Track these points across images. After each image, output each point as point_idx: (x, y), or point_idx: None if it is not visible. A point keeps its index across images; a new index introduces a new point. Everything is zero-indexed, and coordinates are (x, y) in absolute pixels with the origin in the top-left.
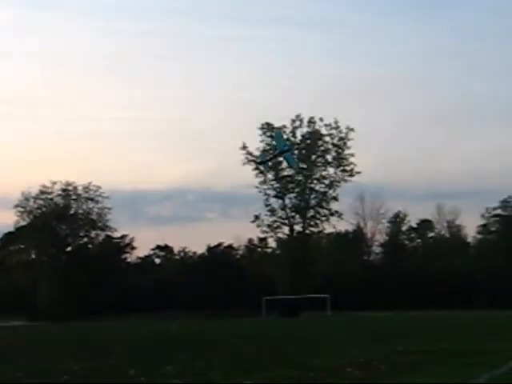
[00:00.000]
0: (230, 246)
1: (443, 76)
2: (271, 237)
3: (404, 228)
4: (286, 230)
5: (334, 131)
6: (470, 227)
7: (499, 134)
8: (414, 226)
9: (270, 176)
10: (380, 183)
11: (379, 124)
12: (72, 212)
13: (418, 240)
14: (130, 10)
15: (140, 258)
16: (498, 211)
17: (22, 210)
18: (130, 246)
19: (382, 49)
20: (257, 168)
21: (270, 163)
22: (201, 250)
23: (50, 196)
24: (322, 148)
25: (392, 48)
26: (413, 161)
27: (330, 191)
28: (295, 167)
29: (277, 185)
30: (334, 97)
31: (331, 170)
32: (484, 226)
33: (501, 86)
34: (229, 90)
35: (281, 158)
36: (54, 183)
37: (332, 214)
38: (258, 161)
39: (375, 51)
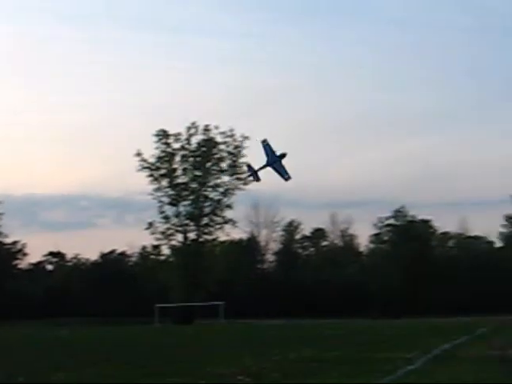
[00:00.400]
0: (123, 253)
1: (341, 86)
2: (165, 244)
3: (298, 236)
4: (180, 237)
5: (229, 139)
6: (363, 236)
7: (392, 145)
8: (308, 234)
9: (164, 183)
10: (275, 192)
11: (275, 132)
12: None
13: (312, 249)
14: (38, 12)
15: (32, 264)
16: (391, 221)
17: None
18: (22, 252)
19: (285, 57)
20: (151, 175)
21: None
22: (94, 256)
23: None
24: (217, 156)
25: (294, 57)
26: (308, 170)
27: (225, 199)
28: (286, 177)
29: (171, 192)
30: (230, 104)
31: (226, 178)
32: (376, 235)
33: (397, 97)
34: (127, 96)
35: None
36: None
37: (226, 222)
38: (248, 172)
39: (278, 60)
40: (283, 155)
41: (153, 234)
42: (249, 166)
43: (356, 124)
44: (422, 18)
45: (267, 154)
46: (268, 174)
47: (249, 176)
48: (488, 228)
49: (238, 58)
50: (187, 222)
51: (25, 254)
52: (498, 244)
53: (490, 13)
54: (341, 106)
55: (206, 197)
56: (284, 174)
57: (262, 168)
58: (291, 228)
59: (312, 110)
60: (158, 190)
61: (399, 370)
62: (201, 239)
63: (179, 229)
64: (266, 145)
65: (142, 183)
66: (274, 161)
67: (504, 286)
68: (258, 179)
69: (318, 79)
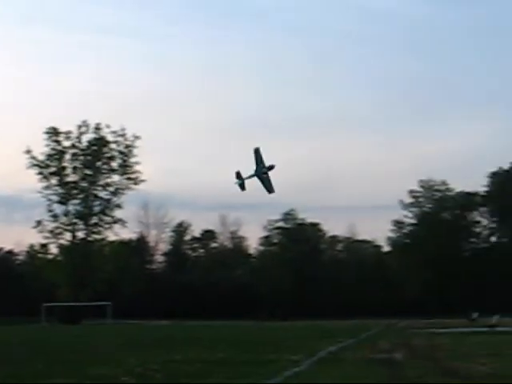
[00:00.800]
0: (10, 252)
1: (231, 89)
2: (53, 243)
3: (187, 238)
4: (69, 236)
5: (120, 138)
6: (253, 239)
7: (282, 148)
8: (198, 236)
9: (53, 181)
10: (165, 192)
11: (167, 134)
12: None
13: (201, 250)
14: None
15: None
16: (280, 223)
17: None
18: None
19: (173, 58)
20: (41, 173)
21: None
22: None
23: None
24: (107, 155)
25: (184, 58)
26: (199, 171)
27: (115, 199)
28: (270, 190)
29: (61, 190)
30: (122, 105)
31: (116, 178)
32: (266, 237)
33: (289, 100)
34: (16, 93)
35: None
36: None
37: (115, 222)
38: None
39: (167, 61)
40: (271, 167)
41: (41, 232)
42: (238, 174)
43: (246, 126)
44: (324, 23)
45: (257, 163)
46: (160, 176)
47: (238, 184)
48: (376, 232)
49: (133, 57)
50: (76, 220)
51: None
52: (386, 248)
53: (394, 20)
54: (231, 107)
55: (96, 196)
56: (269, 186)
57: (250, 177)
58: (181, 229)
59: (202, 112)
60: (47, 188)
61: (284, 371)
62: (89, 238)
63: (68, 228)
64: (258, 154)
65: (32, 181)
66: (263, 172)
67: (390, 290)
68: (244, 188)
69: (213, 81)
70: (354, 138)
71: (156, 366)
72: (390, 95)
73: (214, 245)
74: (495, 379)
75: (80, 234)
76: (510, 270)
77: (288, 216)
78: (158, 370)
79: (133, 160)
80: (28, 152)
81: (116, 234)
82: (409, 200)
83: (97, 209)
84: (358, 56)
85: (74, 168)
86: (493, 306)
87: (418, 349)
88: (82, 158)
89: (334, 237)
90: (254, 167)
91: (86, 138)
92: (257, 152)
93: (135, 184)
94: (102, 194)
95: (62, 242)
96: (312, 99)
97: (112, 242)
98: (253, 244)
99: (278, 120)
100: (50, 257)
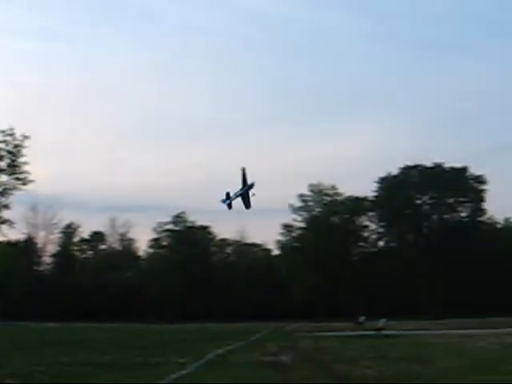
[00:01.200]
0: None
1: (127, 92)
2: None
3: (76, 239)
4: None
5: (8, 138)
6: (142, 241)
7: (173, 151)
8: (87, 237)
9: None
10: (55, 194)
11: (58, 135)
12: None
13: (90, 252)
14: None
15: None
16: (170, 226)
17: None
18: None
19: (68, 59)
20: None
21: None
22: None
23: None
24: None
25: (75, 59)
26: (89, 173)
27: (2, 199)
28: (249, 206)
29: None
30: (15, 104)
31: (4, 178)
32: (156, 240)
33: (180, 106)
34: None
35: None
36: None
37: (3, 223)
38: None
39: (62, 61)
40: (252, 185)
41: None
42: (228, 195)
43: (139, 130)
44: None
45: (243, 182)
46: (50, 177)
47: (225, 203)
48: (265, 236)
49: (35, 58)
50: None
51: None
52: (276, 252)
53: (279, 24)
54: (123, 111)
55: None
56: (247, 203)
57: (236, 197)
58: (69, 230)
59: (95, 114)
60: None
61: (171, 374)
62: None
63: None
64: (244, 174)
65: None
66: (246, 190)
67: (280, 293)
68: (231, 207)
69: (118, 83)
70: (243, 141)
71: (43, 368)
72: (281, 98)
73: (102, 247)
74: (380, 381)
75: None
76: (397, 274)
77: (178, 219)
78: (45, 372)
79: (21, 160)
80: None
81: (3, 234)
82: (298, 204)
83: None
84: (244, 57)
85: None
86: (380, 309)
87: (305, 352)
88: None
89: (223, 240)
90: (241, 186)
91: None
92: (243, 171)
93: (23, 184)
94: None
95: None
96: (196, 103)
97: None
98: (142, 246)
99: (169, 125)
100: None
